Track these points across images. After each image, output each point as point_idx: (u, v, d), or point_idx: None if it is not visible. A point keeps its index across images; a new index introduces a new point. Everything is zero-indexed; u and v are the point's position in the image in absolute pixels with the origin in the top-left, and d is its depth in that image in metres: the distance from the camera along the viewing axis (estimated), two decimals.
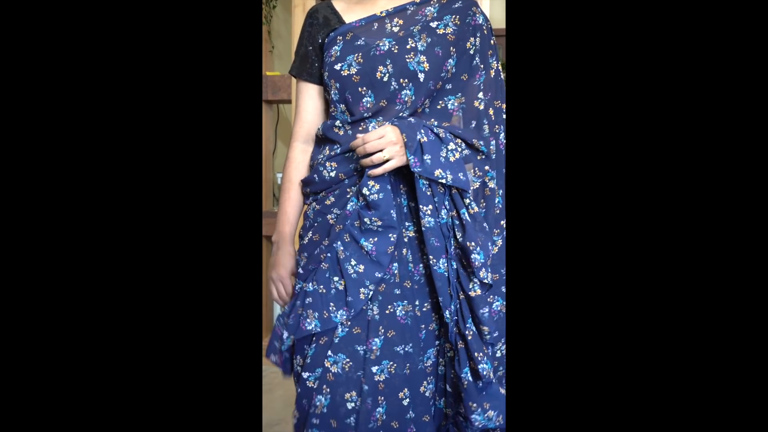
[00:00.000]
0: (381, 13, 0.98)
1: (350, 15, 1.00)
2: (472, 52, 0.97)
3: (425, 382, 0.95)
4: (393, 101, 0.95)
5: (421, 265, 0.97)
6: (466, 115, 0.97)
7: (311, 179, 1.01)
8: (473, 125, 0.96)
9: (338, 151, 0.97)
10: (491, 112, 0.97)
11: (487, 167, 0.96)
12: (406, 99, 0.94)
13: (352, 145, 0.91)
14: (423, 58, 0.93)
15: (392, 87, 0.94)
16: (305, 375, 0.94)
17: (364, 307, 0.94)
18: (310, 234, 1.00)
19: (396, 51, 0.94)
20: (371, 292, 0.93)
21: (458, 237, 0.92)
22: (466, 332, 0.91)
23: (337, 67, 0.95)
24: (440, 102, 0.97)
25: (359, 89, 0.95)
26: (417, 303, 0.96)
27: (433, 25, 0.95)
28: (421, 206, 0.91)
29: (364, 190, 0.90)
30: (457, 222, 0.92)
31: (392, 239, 0.92)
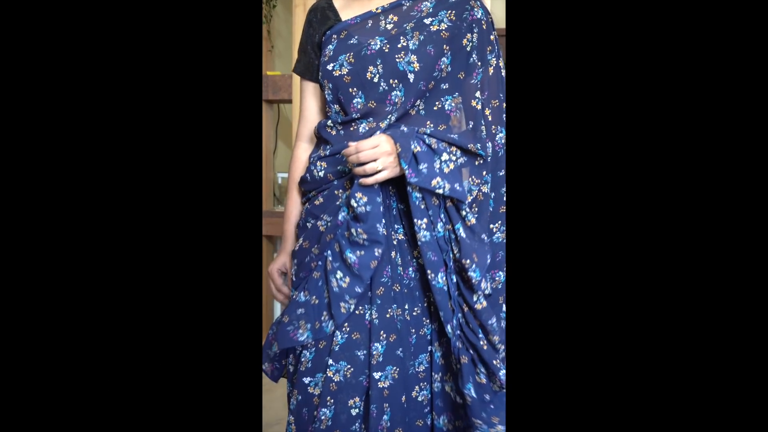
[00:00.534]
0: (377, 9, 0.95)
1: (347, 12, 0.98)
2: (468, 49, 0.93)
3: (417, 387, 0.94)
4: (383, 102, 0.92)
5: (410, 268, 0.95)
6: (465, 115, 0.94)
7: (304, 178, 1.01)
8: (471, 126, 0.93)
9: (329, 151, 0.95)
10: (487, 112, 0.94)
11: (484, 171, 0.93)
12: (396, 100, 0.91)
13: (344, 153, 0.88)
14: (413, 57, 0.89)
15: (381, 88, 0.91)
16: (306, 380, 0.91)
17: (359, 312, 0.91)
18: (300, 240, 0.99)
19: (387, 50, 0.90)
20: (351, 306, 0.90)
21: (455, 252, 0.89)
22: (480, 343, 0.89)
23: (330, 67, 0.93)
24: (437, 103, 0.93)
25: (350, 90, 0.93)
26: (407, 307, 0.94)
27: (427, 21, 0.91)
28: (415, 220, 0.88)
29: (352, 202, 0.87)
30: (453, 236, 0.89)
31: (377, 254, 0.89)
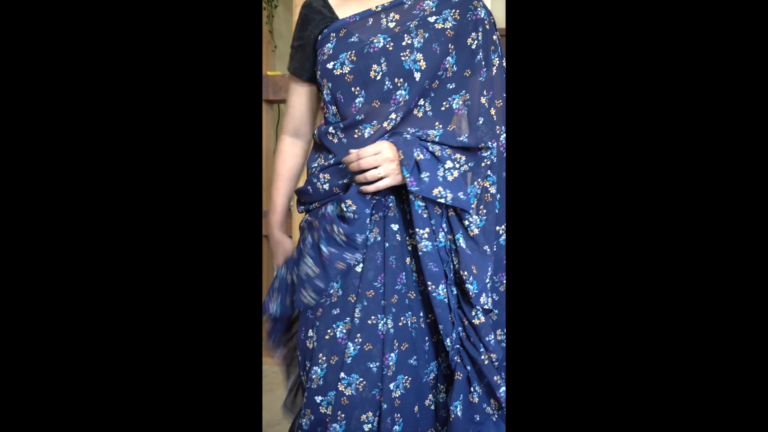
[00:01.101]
0: (376, 7, 0.92)
1: (344, 10, 0.95)
2: (474, 47, 0.92)
3: (430, 395, 0.92)
4: (386, 102, 0.90)
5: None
6: (471, 113, 0.92)
7: (305, 190, 0.98)
8: (480, 122, 0.91)
9: (332, 161, 0.92)
10: (493, 111, 0.93)
11: (490, 172, 0.92)
12: (401, 99, 0.89)
13: (344, 160, 0.86)
14: (419, 56, 0.88)
15: (386, 86, 0.89)
16: (318, 399, 0.88)
17: (372, 321, 0.89)
18: (301, 246, 0.98)
19: (391, 48, 0.88)
20: (312, 300, 0.90)
21: (455, 263, 0.88)
22: (482, 357, 0.88)
23: (330, 65, 0.91)
24: (444, 103, 0.91)
25: (352, 89, 0.90)
26: (421, 315, 0.92)
27: (431, 20, 0.90)
28: (417, 230, 0.87)
29: (342, 205, 0.87)
30: (453, 247, 0.88)
31: (347, 258, 0.88)
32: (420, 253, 0.87)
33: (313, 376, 0.89)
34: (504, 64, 0.96)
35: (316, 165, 0.96)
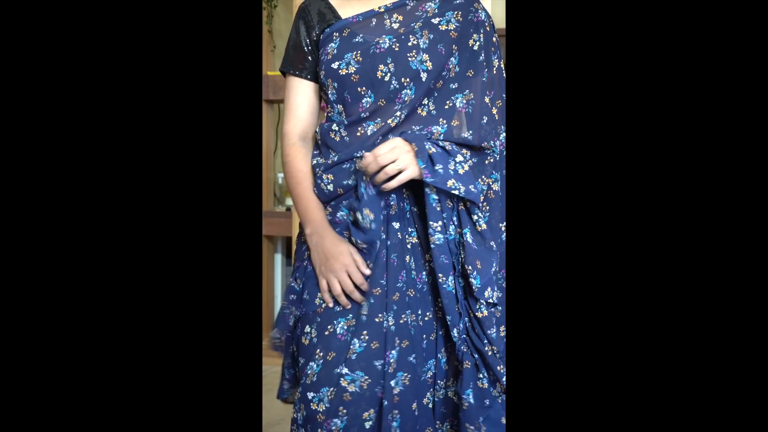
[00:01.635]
0: (379, 8, 0.93)
1: (346, 10, 0.96)
2: (476, 48, 0.94)
3: (428, 394, 0.93)
4: (392, 101, 0.91)
5: (423, 273, 0.94)
6: (475, 113, 0.93)
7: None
8: (485, 121, 0.93)
9: (335, 159, 0.93)
10: (494, 111, 0.95)
11: (492, 169, 0.94)
12: (406, 99, 0.91)
13: (361, 165, 0.86)
14: (426, 56, 0.90)
15: (393, 86, 0.90)
16: (310, 395, 0.88)
17: (379, 320, 0.89)
18: (303, 247, 0.98)
19: (397, 49, 0.90)
20: (323, 303, 0.91)
21: (462, 256, 0.90)
22: (486, 348, 0.89)
23: (335, 65, 0.91)
24: (447, 102, 0.93)
25: (358, 89, 0.92)
26: (420, 312, 0.93)
27: (435, 21, 0.91)
28: (430, 222, 0.88)
29: (358, 215, 0.88)
30: (461, 240, 0.90)
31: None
32: (432, 246, 0.88)
33: (308, 372, 0.89)
34: (502, 65, 0.97)
35: (315, 163, 0.97)
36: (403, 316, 0.90)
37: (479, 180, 0.91)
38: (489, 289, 0.89)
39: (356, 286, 0.90)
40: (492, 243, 0.91)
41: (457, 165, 0.88)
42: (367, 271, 0.90)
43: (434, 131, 0.91)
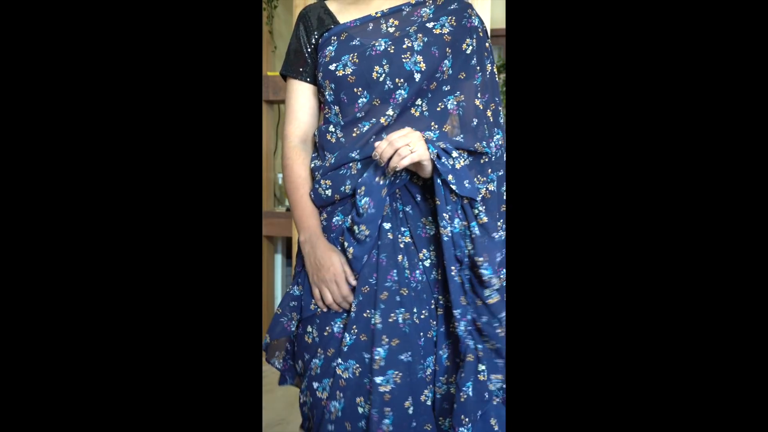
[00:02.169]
0: (376, 13, 0.97)
1: (344, 15, 1.00)
2: (469, 52, 0.97)
3: (426, 391, 0.94)
4: (386, 101, 0.94)
5: (417, 271, 0.96)
6: (466, 114, 0.96)
7: (309, 195, 1.00)
8: (475, 123, 0.96)
9: (332, 162, 0.95)
10: (489, 113, 0.97)
11: (489, 170, 0.96)
12: (399, 99, 0.94)
13: (376, 151, 0.87)
14: (419, 58, 0.93)
15: (387, 86, 0.93)
16: (315, 385, 0.95)
17: (366, 315, 0.93)
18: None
19: (392, 51, 0.93)
20: (318, 309, 0.96)
21: (469, 249, 0.92)
22: (497, 331, 0.92)
23: (332, 67, 0.95)
24: (440, 104, 0.96)
25: (354, 90, 0.95)
26: (415, 310, 0.94)
27: (429, 25, 0.95)
28: (441, 213, 0.91)
29: (355, 227, 0.92)
30: (468, 233, 0.92)
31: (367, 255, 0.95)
32: (445, 238, 0.91)
33: (312, 366, 0.96)
34: (495, 69, 1.01)
35: (314, 166, 1.00)
36: (392, 314, 0.92)
37: (475, 179, 0.94)
38: (496, 278, 0.92)
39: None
40: (494, 234, 0.94)
41: (455, 160, 0.90)
42: (354, 282, 0.95)
43: (427, 135, 0.93)
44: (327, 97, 0.98)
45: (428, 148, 0.88)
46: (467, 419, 0.89)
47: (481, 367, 0.91)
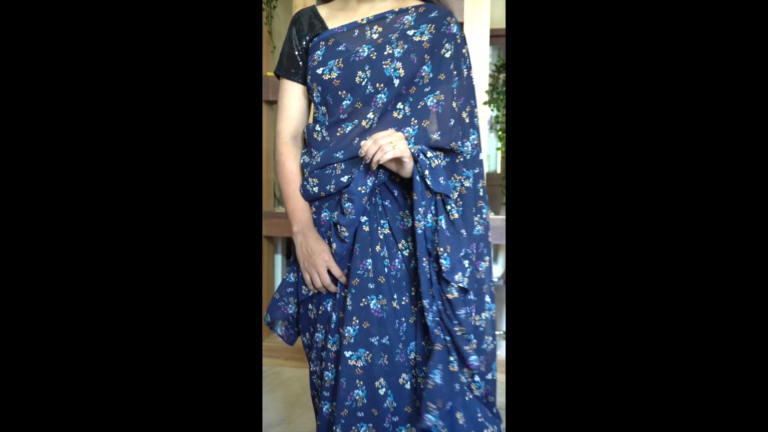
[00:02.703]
0: (362, 20, 1.05)
1: (333, 21, 1.08)
2: (447, 56, 1.03)
3: (405, 375, 1.00)
4: (368, 104, 1.01)
5: (396, 260, 1.03)
6: (444, 114, 1.01)
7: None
8: (452, 123, 1.01)
9: (318, 161, 1.03)
10: (464, 115, 1.04)
11: (464, 168, 1.03)
12: (380, 102, 1.01)
13: (362, 150, 0.94)
14: (399, 64, 1.00)
15: (368, 90, 1.01)
16: (323, 355, 1.06)
17: (343, 296, 1.04)
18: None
19: (374, 57, 1.00)
20: (310, 291, 1.07)
21: (435, 242, 0.98)
22: (455, 329, 0.98)
23: (319, 71, 1.03)
24: (420, 102, 1.02)
25: (339, 92, 1.02)
26: (395, 297, 1.02)
27: (410, 33, 1.02)
28: (417, 208, 0.98)
29: (338, 227, 1.02)
30: (436, 227, 0.99)
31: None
32: (418, 231, 0.98)
33: (317, 339, 1.08)
34: (472, 74, 1.08)
35: (303, 162, 1.08)
36: (363, 299, 1.00)
37: (452, 178, 1.01)
38: (459, 273, 0.98)
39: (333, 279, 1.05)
40: (463, 231, 1.01)
41: (430, 159, 0.98)
42: (336, 271, 1.05)
43: (406, 133, 1.00)
44: (315, 98, 1.06)
45: (408, 145, 0.96)
46: (434, 406, 0.93)
47: (451, 358, 0.97)
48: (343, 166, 1.01)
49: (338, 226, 1.03)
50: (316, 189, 1.04)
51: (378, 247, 1.02)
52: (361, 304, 1.00)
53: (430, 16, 1.04)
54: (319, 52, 1.03)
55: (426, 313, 0.97)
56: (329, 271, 1.04)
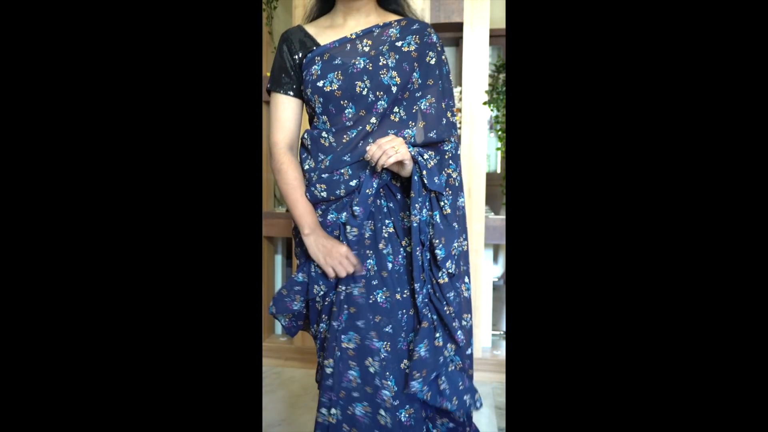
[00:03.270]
0: (351, 35, 1.15)
1: (323, 38, 1.17)
2: (432, 63, 1.16)
3: (405, 360, 1.11)
4: (370, 111, 1.12)
5: (399, 256, 1.14)
6: (437, 114, 1.13)
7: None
8: (444, 122, 1.14)
9: (327, 165, 1.12)
10: (449, 115, 1.16)
11: (451, 161, 1.16)
12: (381, 108, 1.12)
13: (368, 154, 1.05)
14: (394, 73, 1.11)
15: (370, 99, 1.11)
16: (326, 344, 1.17)
17: (339, 290, 1.13)
18: (299, 238, 1.19)
19: (371, 68, 1.11)
20: (322, 290, 1.14)
21: (431, 234, 1.11)
22: (445, 309, 1.11)
23: (320, 84, 1.12)
24: (414, 107, 1.14)
25: (341, 102, 1.12)
26: (398, 290, 1.13)
27: (399, 44, 1.14)
28: (414, 204, 1.10)
29: (347, 226, 1.12)
30: (431, 221, 1.11)
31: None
32: (414, 224, 1.10)
33: (321, 330, 1.18)
34: (450, 77, 1.21)
35: (311, 168, 1.16)
36: (372, 296, 1.12)
37: (442, 173, 1.14)
38: (449, 261, 1.11)
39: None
40: (455, 224, 1.13)
41: (426, 160, 1.10)
42: (353, 258, 1.14)
43: (406, 135, 1.11)
44: (316, 109, 1.15)
45: (409, 149, 1.07)
46: (419, 374, 1.08)
47: (437, 334, 1.11)
48: (350, 171, 1.11)
49: (346, 227, 1.11)
50: (324, 194, 1.13)
51: (382, 245, 1.13)
52: (371, 301, 1.11)
53: (413, 28, 1.16)
54: (315, 66, 1.13)
55: (417, 296, 1.10)
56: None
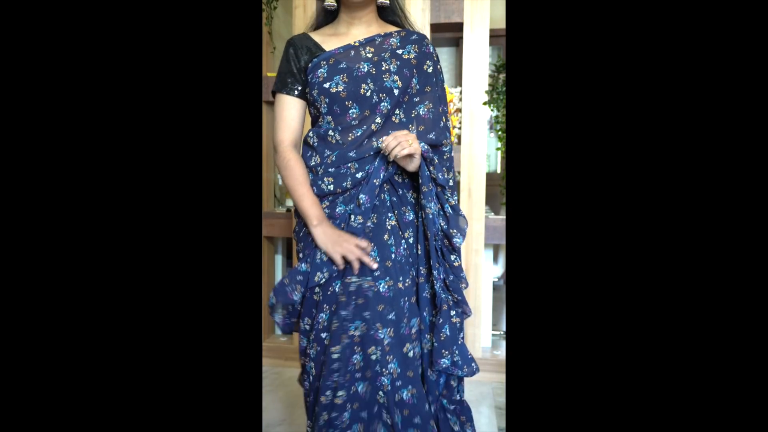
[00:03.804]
0: (355, 42, 1.24)
1: (328, 44, 1.26)
2: (430, 71, 1.27)
3: (409, 345, 1.20)
4: (374, 111, 1.21)
5: (401, 248, 1.23)
6: (435, 118, 1.23)
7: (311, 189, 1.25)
8: (441, 125, 1.24)
9: (333, 160, 1.20)
10: (444, 119, 1.26)
11: (448, 163, 1.25)
12: (384, 109, 1.21)
13: (384, 144, 1.12)
14: (396, 77, 1.21)
15: (374, 100, 1.21)
16: (323, 335, 1.21)
17: (347, 280, 1.19)
18: (310, 238, 1.24)
19: (374, 72, 1.21)
20: (324, 278, 1.19)
21: (443, 224, 1.22)
22: (461, 287, 1.24)
23: (326, 85, 1.20)
24: (413, 111, 1.24)
25: (346, 103, 1.21)
26: (401, 278, 1.21)
27: (399, 52, 1.24)
28: (426, 197, 1.19)
29: (352, 216, 1.19)
30: (443, 213, 1.22)
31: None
32: (429, 216, 1.20)
33: (320, 320, 1.21)
34: (444, 86, 1.31)
35: (318, 164, 1.22)
36: (374, 287, 1.20)
37: (444, 170, 1.24)
38: (460, 245, 1.24)
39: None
40: (462, 214, 1.24)
41: (433, 157, 1.19)
42: (364, 244, 1.20)
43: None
44: (321, 109, 1.23)
45: (420, 143, 1.16)
46: (447, 352, 1.21)
47: (453, 313, 1.23)
48: (356, 165, 1.19)
49: (352, 217, 1.19)
50: (331, 187, 1.20)
51: (386, 236, 1.21)
52: (374, 290, 1.18)
53: (412, 39, 1.27)
54: (322, 70, 1.21)
55: (436, 282, 1.22)
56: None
